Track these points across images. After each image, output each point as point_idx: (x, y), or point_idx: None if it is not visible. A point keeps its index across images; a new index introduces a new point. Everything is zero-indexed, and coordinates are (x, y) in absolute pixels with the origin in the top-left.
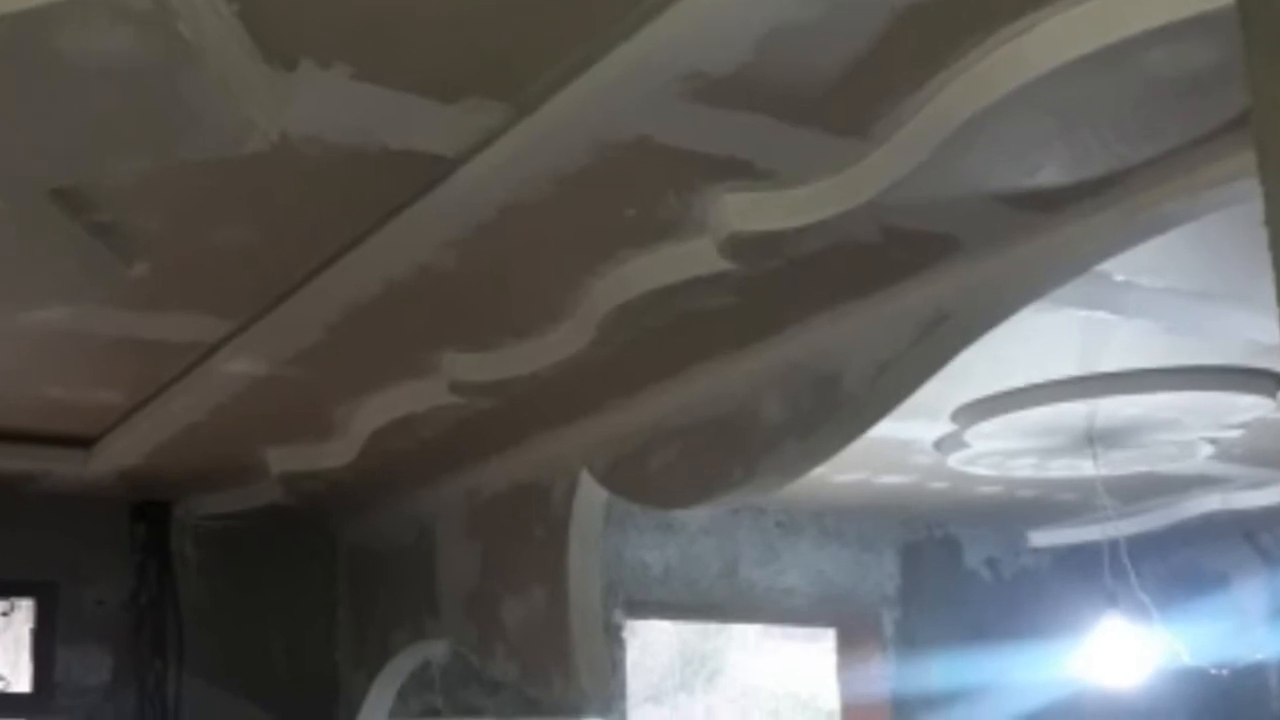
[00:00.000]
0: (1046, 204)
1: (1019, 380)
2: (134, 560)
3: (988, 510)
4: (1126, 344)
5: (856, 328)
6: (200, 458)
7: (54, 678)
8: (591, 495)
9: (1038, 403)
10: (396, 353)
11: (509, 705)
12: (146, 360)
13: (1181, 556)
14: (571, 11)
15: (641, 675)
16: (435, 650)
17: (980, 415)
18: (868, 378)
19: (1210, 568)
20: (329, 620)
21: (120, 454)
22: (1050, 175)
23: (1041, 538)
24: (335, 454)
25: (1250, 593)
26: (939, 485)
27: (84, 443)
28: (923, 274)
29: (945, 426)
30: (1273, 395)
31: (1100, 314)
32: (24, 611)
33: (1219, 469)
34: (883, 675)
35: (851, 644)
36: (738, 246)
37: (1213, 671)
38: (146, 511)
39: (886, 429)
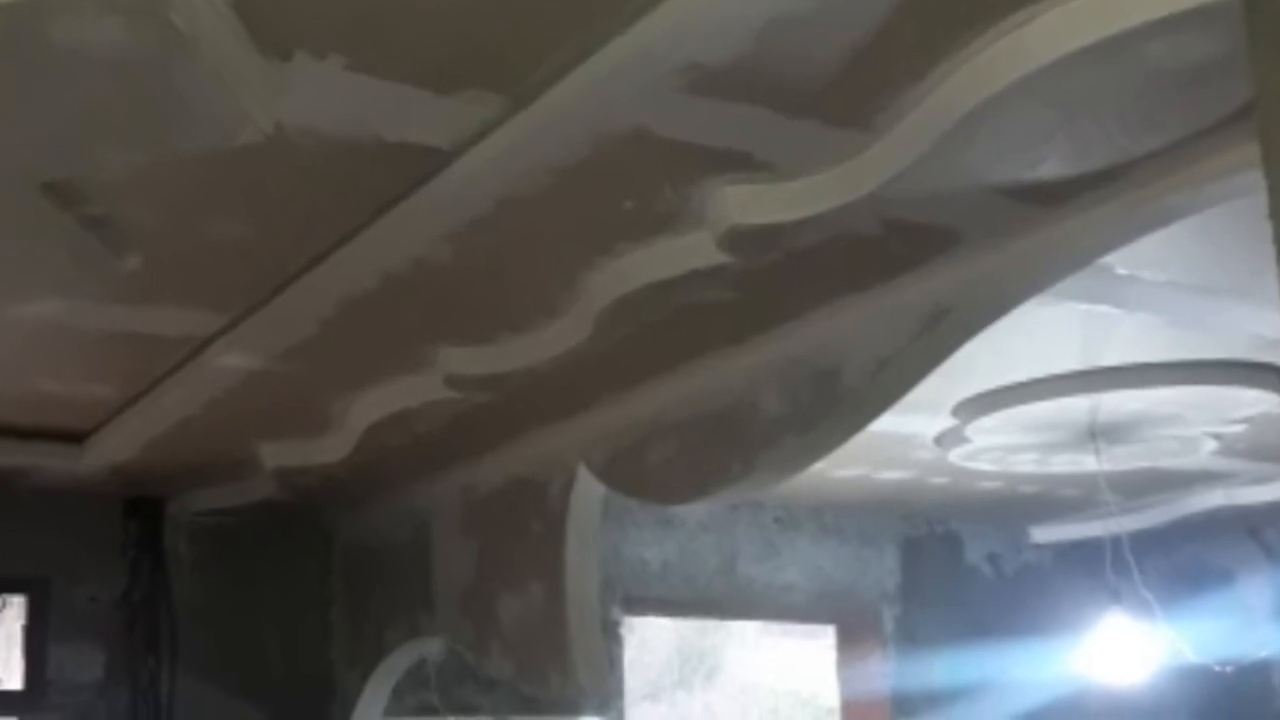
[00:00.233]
0: (1048, 197)
1: (1020, 375)
2: (127, 556)
3: (989, 506)
4: (1129, 338)
5: (856, 322)
6: (194, 453)
7: (46, 675)
8: (589, 491)
9: (1039, 397)
10: (392, 347)
11: (505, 703)
12: (139, 354)
13: (1185, 553)
14: (568, 3)
15: (639, 672)
16: (431, 647)
17: (981, 410)
18: (868, 372)
19: (1214, 564)
20: (323, 617)
21: (113, 449)
22: (1052, 168)
23: (1043, 534)
24: (330, 449)
25: (1255, 589)
26: (940, 480)
27: (76, 437)
28: (923, 267)
29: (946, 421)
30: (1277, 390)
31: (1102, 308)
32: (16, 608)
33: (1223, 464)
34: (883, 672)
35: (851, 641)
36: (736, 240)
37: (1217, 669)
38: (139, 507)
39: (887, 424)
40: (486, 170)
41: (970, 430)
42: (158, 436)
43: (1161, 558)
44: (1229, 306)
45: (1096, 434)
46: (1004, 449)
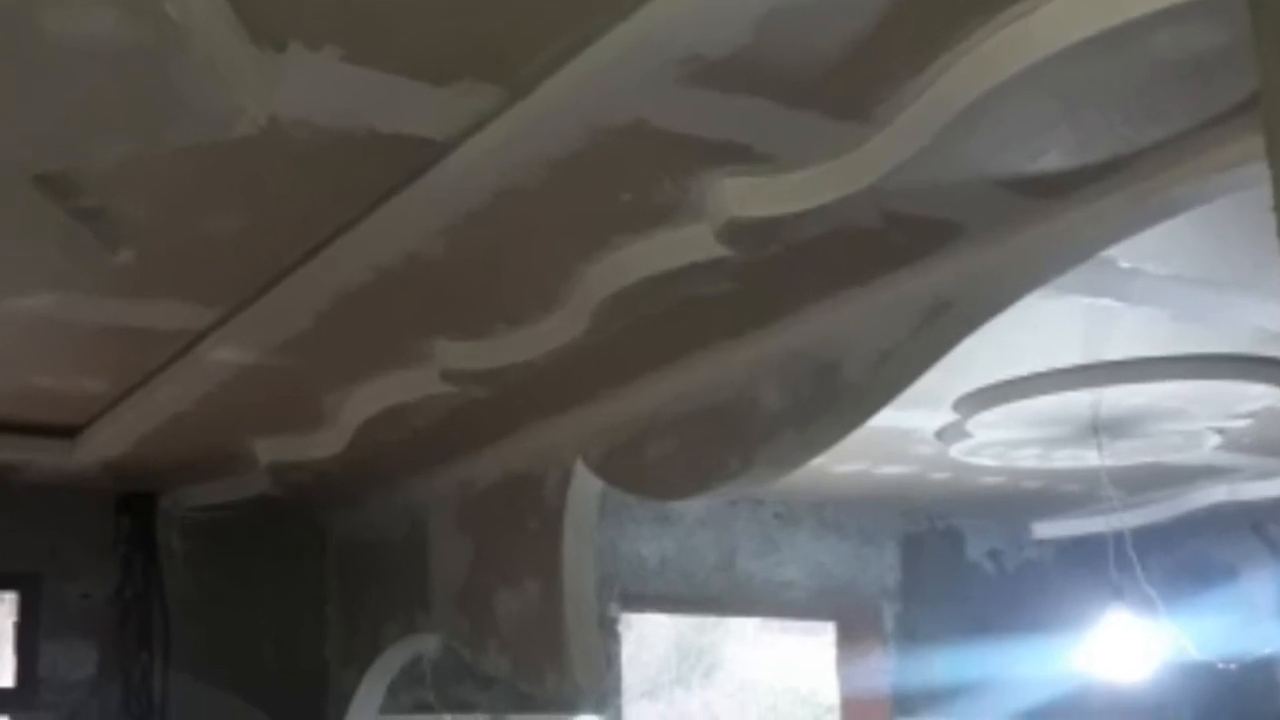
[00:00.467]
0: (1050, 189)
1: (1022, 369)
2: (119, 552)
3: (990, 501)
4: (1132, 332)
5: (857, 315)
6: (187, 448)
7: (38, 672)
8: (586, 486)
9: (1041, 392)
10: (387, 341)
11: (502, 700)
12: (132, 348)
13: (1188, 548)
14: None
15: (637, 669)
16: (427, 644)
17: (983, 404)
18: (868, 366)
19: (1218, 560)
20: (318, 614)
21: (105, 444)
22: (1054, 159)
23: (1045, 529)
24: (325, 444)
25: (1258, 585)
26: (941, 476)
27: (68, 432)
28: (924, 260)
29: (947, 416)
30: None
31: (1105, 301)
32: (7, 605)
33: (1226, 459)
34: (883, 669)
35: (851, 638)
36: (735, 232)
37: (1220, 666)
38: (132, 503)
39: (887, 418)
40: (483, 162)
41: (972, 425)
42: (150, 431)
43: (1164, 554)
44: (1233, 300)
45: (1099, 429)
46: (1006, 444)
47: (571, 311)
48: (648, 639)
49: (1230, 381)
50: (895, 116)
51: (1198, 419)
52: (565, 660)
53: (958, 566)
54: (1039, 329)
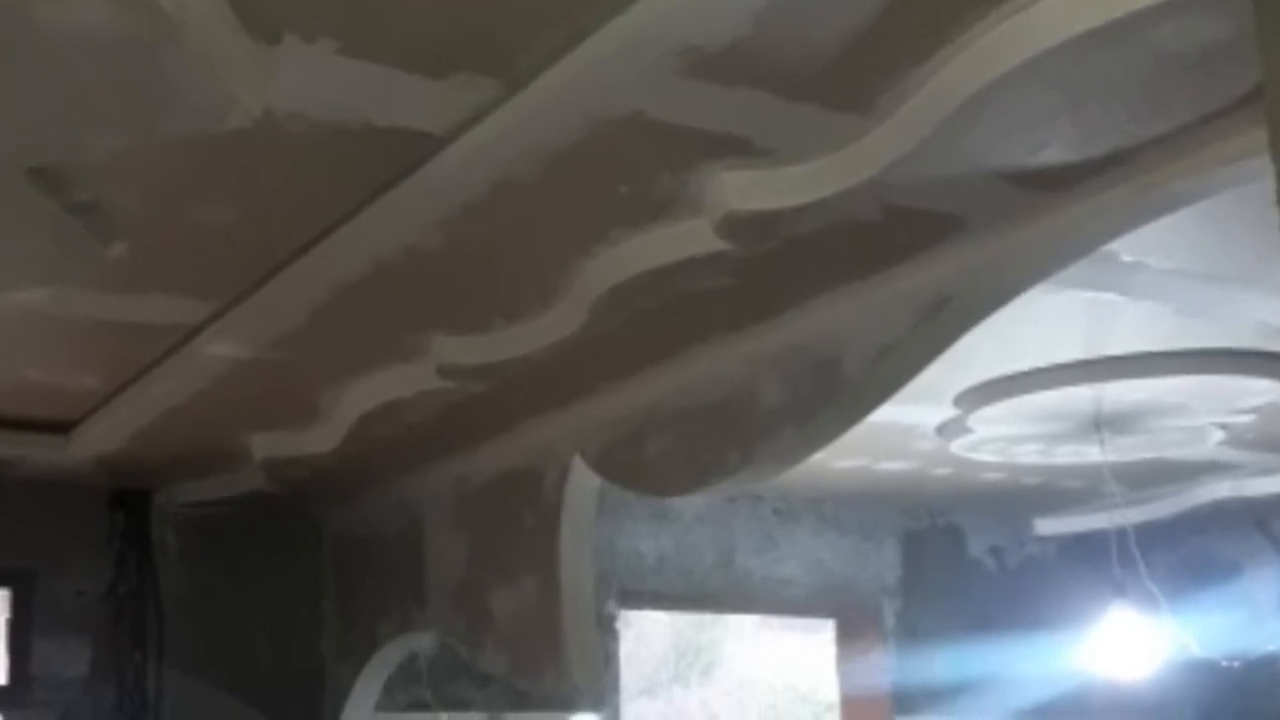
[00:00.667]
0: (1052, 182)
1: (1024, 364)
2: (113, 549)
3: (992, 498)
4: (1134, 326)
5: (857, 310)
6: (181, 443)
7: (31, 670)
8: (584, 482)
9: (1043, 387)
10: (383, 335)
11: (499, 698)
12: (126, 343)
13: (1191, 545)
14: None
15: (635, 667)
16: (423, 642)
17: (984, 400)
18: (868, 361)
19: (1221, 556)
20: (313, 611)
21: (99, 439)
22: (1056, 153)
23: (1047, 526)
24: (320, 440)
25: (1262, 582)
26: (942, 472)
27: (62, 428)
28: (925, 254)
29: (948, 411)
30: None
31: (1107, 295)
32: (0, 602)
33: (1230, 455)
34: (883, 667)
35: (851, 635)
36: (734, 226)
37: (1224, 663)
38: (126, 499)
39: (888, 414)
40: (479, 155)
41: (973, 420)
42: (145, 427)
43: (1167, 550)
44: (1236, 295)
45: (1101, 424)
46: (1007, 439)
47: (569, 306)
48: (646, 636)
49: (1233, 377)
50: (896, 109)
51: (1200, 414)
52: (562, 658)
53: (959, 563)
54: (1041, 323)
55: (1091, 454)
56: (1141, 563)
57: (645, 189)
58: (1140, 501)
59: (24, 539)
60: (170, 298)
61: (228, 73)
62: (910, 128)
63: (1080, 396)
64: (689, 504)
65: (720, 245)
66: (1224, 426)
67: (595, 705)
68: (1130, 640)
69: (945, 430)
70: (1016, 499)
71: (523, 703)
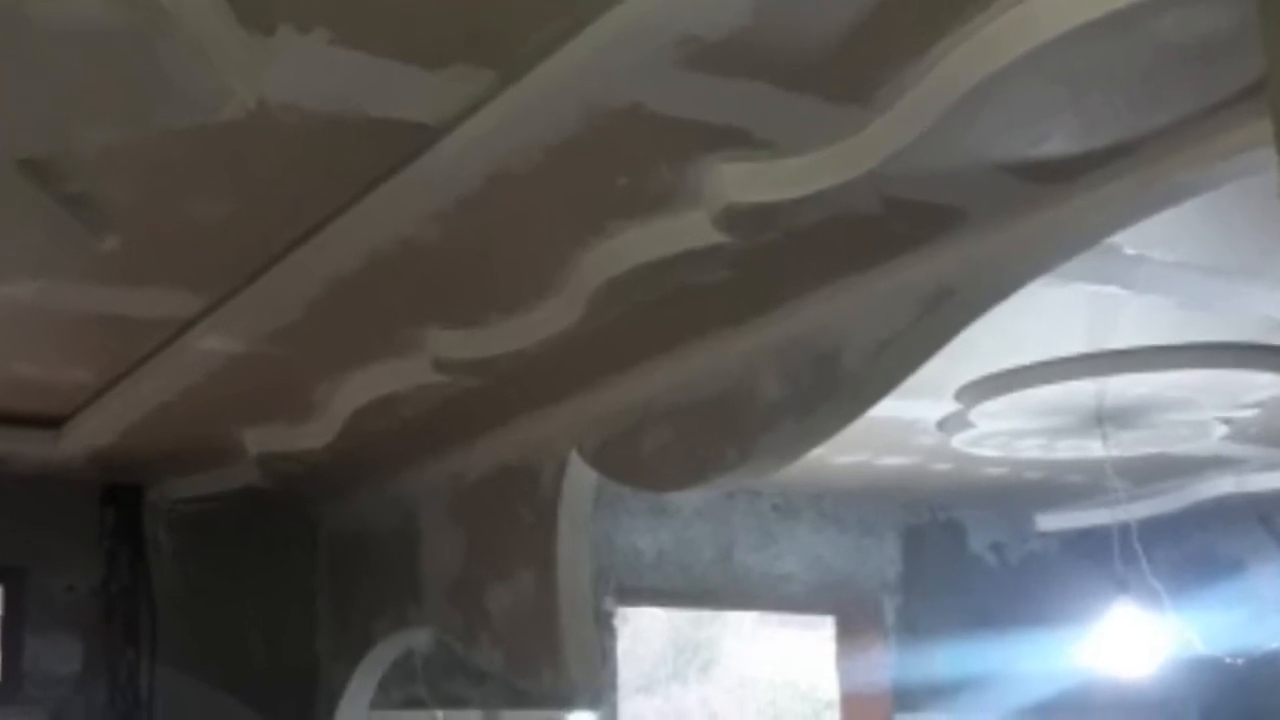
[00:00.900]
0: (1054, 174)
1: (1025, 358)
2: (105, 545)
3: (993, 493)
4: (1137, 320)
5: (857, 303)
6: (174, 439)
7: (22, 667)
8: (581, 477)
9: (1045, 381)
10: (378, 329)
11: (495, 696)
12: (118, 337)
13: (1194, 541)
14: None
15: (633, 664)
16: (418, 639)
17: (985, 394)
18: (868, 355)
19: (1224, 553)
20: (308, 608)
21: (91, 434)
22: (1058, 145)
23: (1049, 521)
24: (314, 435)
25: (1266, 579)
26: (942, 467)
27: (53, 423)
28: (925, 247)
29: (949, 406)
30: None
31: (1110, 289)
32: None
33: (1233, 450)
34: (883, 664)
35: (851, 632)
36: (733, 218)
37: (1227, 660)
38: (118, 494)
39: (888, 408)
40: (476, 147)
41: (974, 415)
42: (137, 421)
43: (1170, 546)
44: (1239, 288)
45: (1104, 419)
46: (1008, 434)
47: (566, 299)
48: (644, 633)
49: (1237, 371)
50: (896, 101)
51: (1204, 409)
52: (559, 655)
53: (960, 559)
54: (1042, 317)
55: (1094, 449)
56: (1144, 559)
57: (643, 181)
58: (1143, 497)
59: (15, 535)
60: (163, 291)
61: (222, 64)
62: (911, 119)
63: (1083, 391)
64: (687, 499)
65: (719, 238)
66: (1228, 421)
67: (592, 703)
68: (1133, 637)
69: (946, 425)
70: (1018, 494)
71: (519, 700)
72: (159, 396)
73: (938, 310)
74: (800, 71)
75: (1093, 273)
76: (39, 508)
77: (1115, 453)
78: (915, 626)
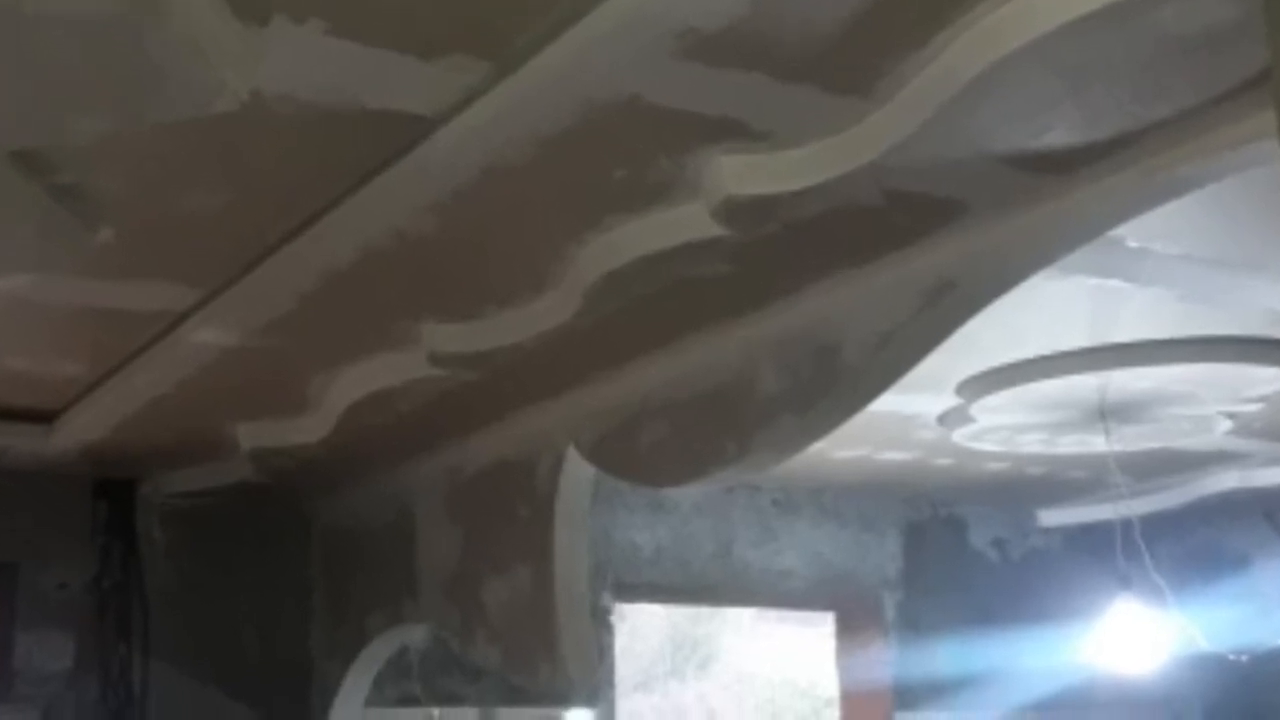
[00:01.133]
0: (1056, 166)
1: (1027, 351)
2: (97, 541)
3: (994, 488)
4: (1140, 313)
5: (857, 296)
6: (167, 433)
7: (13, 664)
8: (578, 472)
9: (1047, 375)
10: (373, 322)
11: (491, 693)
12: (111, 330)
13: (1198, 537)
14: None
15: (631, 661)
16: (414, 635)
17: (987, 388)
18: (869, 348)
19: (1229, 548)
20: (302, 604)
21: (83, 429)
22: (1060, 136)
23: (1051, 517)
24: (309, 429)
25: (1271, 575)
26: (943, 462)
27: (45, 417)
28: (926, 240)
29: (950, 400)
30: None
31: (1113, 282)
32: None
33: (1237, 444)
34: (884, 661)
35: (851, 628)
36: (732, 211)
37: (1231, 657)
38: (110, 489)
39: (888, 402)
40: (471, 139)
41: (975, 409)
42: (130, 416)
43: (1174, 542)
44: (1244, 281)
45: (1106, 413)
46: (1010, 429)
47: (563, 293)
48: (642, 630)
49: (1241, 365)
50: (896, 91)
51: (1208, 403)
52: (556, 651)
53: (961, 555)
54: (1044, 310)
55: (1096, 444)
56: (1147, 555)
57: (641, 173)
58: (1146, 492)
59: (6, 531)
60: (156, 284)
61: (215, 54)
62: (911, 111)
63: (1085, 385)
64: (686, 495)
65: (717, 230)
66: (1231, 415)
67: (589, 700)
68: (1136, 634)
69: (947, 419)
70: (1020, 490)
71: (516, 697)
72: (152, 390)
73: (939, 303)
74: (800, 62)
75: (1095, 266)
76: (30, 503)
77: (1118, 447)
78: (916, 623)
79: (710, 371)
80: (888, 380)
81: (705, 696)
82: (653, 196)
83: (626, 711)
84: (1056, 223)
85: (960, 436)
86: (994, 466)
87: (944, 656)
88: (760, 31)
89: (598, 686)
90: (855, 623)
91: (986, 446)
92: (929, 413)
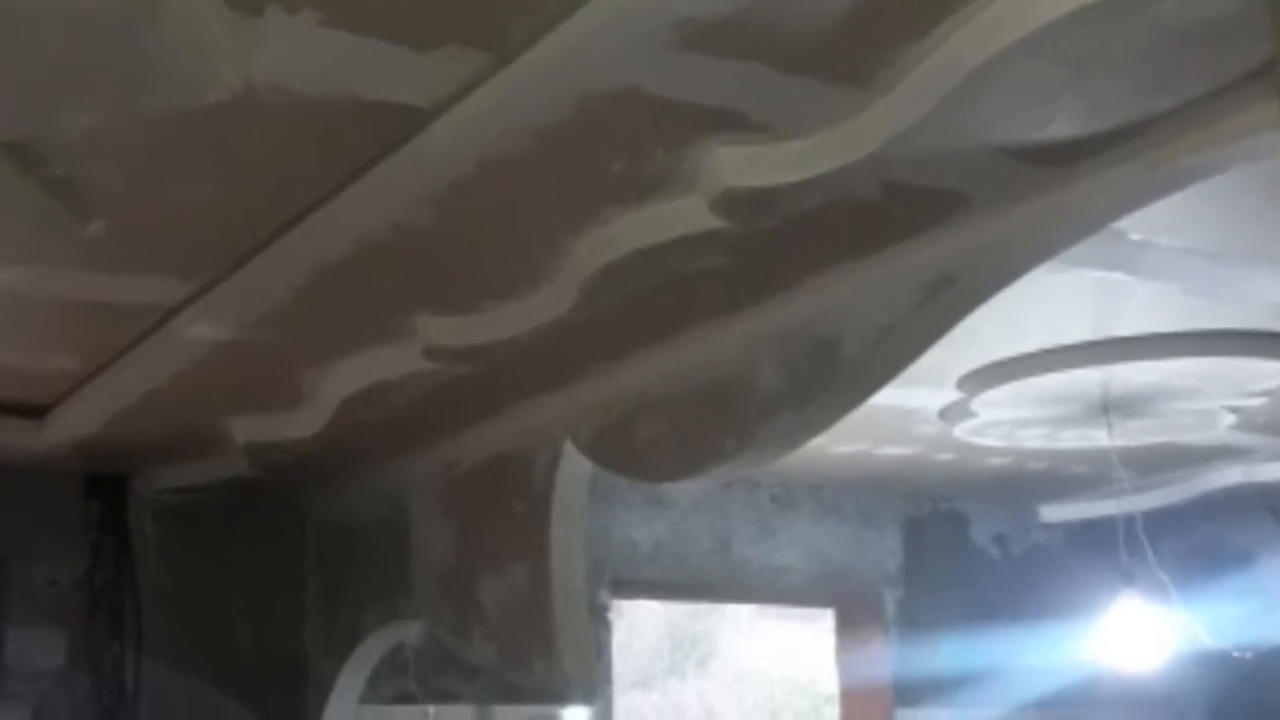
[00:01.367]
0: (1058, 158)
1: (1029, 345)
2: (89, 537)
3: (996, 483)
4: (1143, 306)
5: (857, 290)
6: (160, 428)
7: (4, 661)
8: (575, 467)
9: (1049, 369)
10: (368, 316)
11: (487, 690)
12: (103, 324)
13: (1202, 532)
14: None
15: (629, 658)
16: (409, 632)
17: (988, 382)
18: (869, 342)
19: (1233, 544)
20: (296, 600)
21: (75, 424)
22: (1062, 128)
23: (1053, 513)
24: (303, 423)
25: (1275, 571)
26: (944, 457)
27: (36, 412)
28: (927, 233)
29: (951, 394)
30: None
31: (1115, 275)
32: None
33: (1241, 439)
34: (884, 658)
35: (851, 625)
36: (730, 203)
37: (1235, 654)
38: (103, 485)
39: (889, 397)
40: (467, 131)
41: (976, 404)
42: (122, 410)
43: (1177, 538)
44: (1248, 274)
45: (1109, 408)
46: (1012, 423)
47: (559, 286)
48: (639, 627)
49: (1245, 358)
50: (896, 83)
51: (1211, 397)
52: (553, 649)
53: (962, 551)
54: (1046, 304)
55: (1099, 438)
56: (1150, 551)
57: (638, 165)
58: (1149, 487)
59: None
60: (149, 277)
61: (208, 45)
62: (912, 102)
63: (1087, 379)
64: (684, 490)
65: (716, 223)
66: (1235, 410)
67: (587, 697)
68: (1139, 631)
69: (948, 414)
70: (1021, 485)
71: (512, 695)
72: (144, 385)
73: (939, 297)
74: (799, 53)
75: (1097, 258)
76: (21, 498)
77: (1120, 442)
78: (916, 619)
79: (708, 366)
80: (888, 375)
81: (704, 694)
82: (650, 188)
83: (624, 709)
84: (1058, 215)
85: (961, 431)
86: (995, 461)
87: (945, 653)
88: (759, 21)
89: (595, 684)
90: (855, 619)
91: (988, 441)
92: (930, 407)
